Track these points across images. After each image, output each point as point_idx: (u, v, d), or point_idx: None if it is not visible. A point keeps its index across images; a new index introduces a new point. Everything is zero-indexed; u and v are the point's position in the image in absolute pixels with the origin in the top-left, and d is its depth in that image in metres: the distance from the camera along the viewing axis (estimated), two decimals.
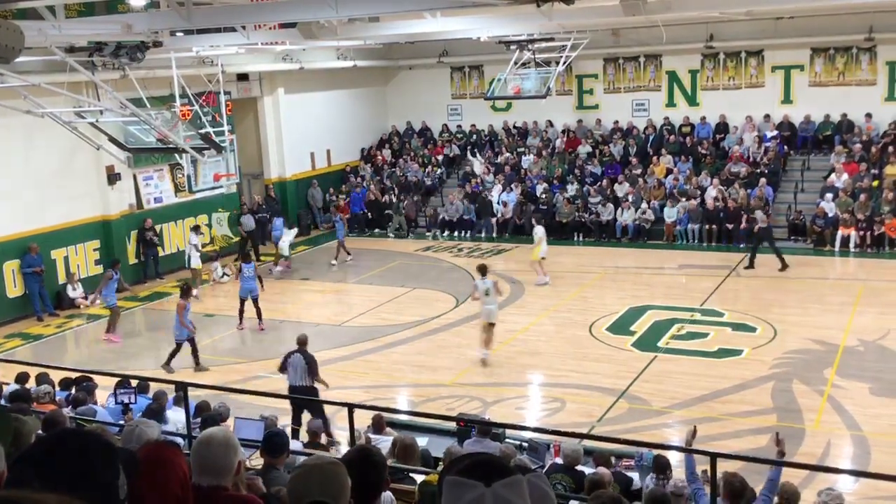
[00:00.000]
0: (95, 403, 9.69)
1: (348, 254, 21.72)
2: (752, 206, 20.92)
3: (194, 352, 14.48)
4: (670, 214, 22.26)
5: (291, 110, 25.05)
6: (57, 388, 10.39)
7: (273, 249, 21.73)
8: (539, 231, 18.74)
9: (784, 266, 18.86)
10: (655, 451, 8.06)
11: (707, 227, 21.85)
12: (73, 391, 10.39)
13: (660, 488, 6.74)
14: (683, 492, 6.84)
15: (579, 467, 7.81)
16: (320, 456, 2.86)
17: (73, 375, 11.01)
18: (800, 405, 11.88)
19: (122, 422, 7.95)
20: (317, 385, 11.28)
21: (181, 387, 8.51)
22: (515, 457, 7.71)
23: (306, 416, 10.58)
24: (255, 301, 16.44)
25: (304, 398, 10.88)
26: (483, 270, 14.18)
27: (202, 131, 16.75)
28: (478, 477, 1.74)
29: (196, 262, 19.44)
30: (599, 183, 23.98)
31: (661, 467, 7.65)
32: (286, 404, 11.13)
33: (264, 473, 5.36)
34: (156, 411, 9.27)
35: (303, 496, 2.63)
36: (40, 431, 4.28)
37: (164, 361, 14.45)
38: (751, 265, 19.18)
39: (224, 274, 20.55)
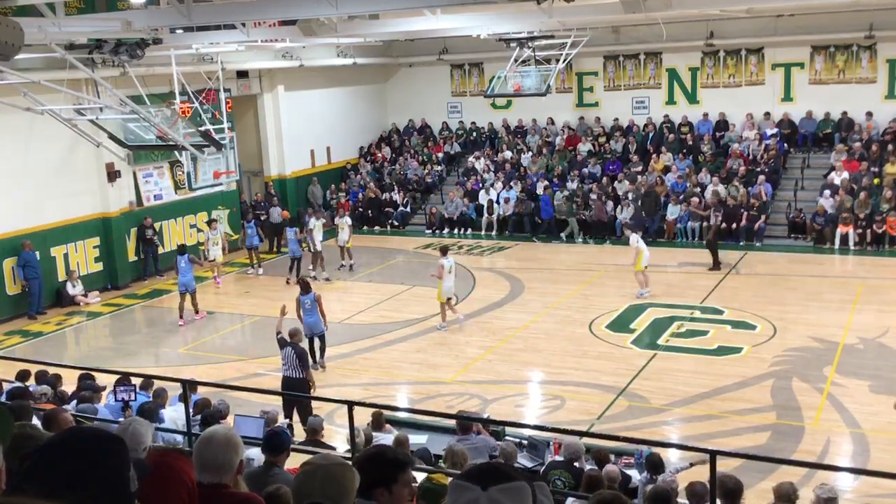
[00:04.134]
0: (97, 402, 9.68)
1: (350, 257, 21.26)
2: (708, 204, 21.06)
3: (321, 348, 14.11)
4: (671, 212, 22.25)
5: (291, 107, 25.04)
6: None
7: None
8: (633, 238, 17.45)
9: (715, 266, 19.06)
10: (654, 449, 8.06)
11: (707, 224, 21.83)
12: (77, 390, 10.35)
13: (661, 485, 6.75)
14: (672, 485, 6.86)
15: (579, 464, 7.82)
16: (328, 456, 2.86)
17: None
18: (799, 403, 11.89)
19: (121, 419, 7.95)
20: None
21: (182, 384, 8.50)
22: (516, 455, 7.72)
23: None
24: (299, 261, 19.48)
25: (298, 395, 10.88)
26: (445, 250, 16.00)
27: (202, 128, 16.77)
28: (476, 481, 1.84)
29: (217, 254, 19.56)
30: (599, 181, 23.97)
31: (654, 465, 7.64)
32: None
33: (265, 472, 5.37)
34: (150, 410, 9.23)
35: (304, 496, 2.64)
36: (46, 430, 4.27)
37: (319, 356, 13.90)
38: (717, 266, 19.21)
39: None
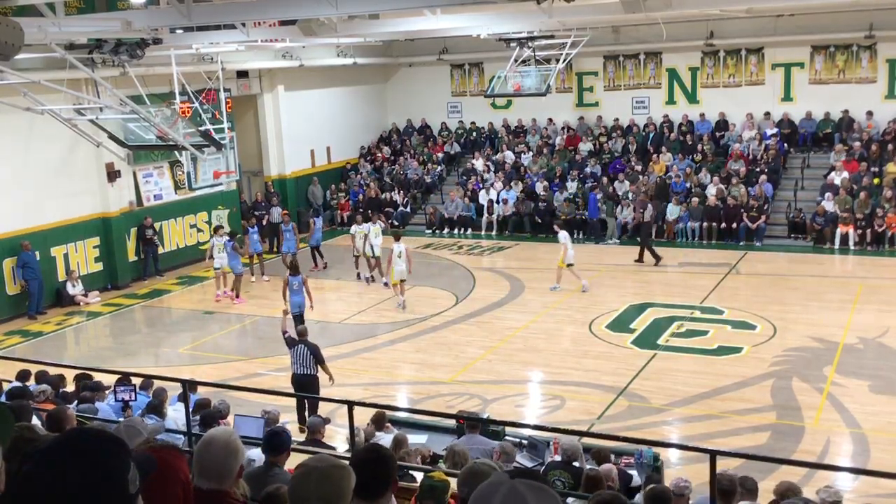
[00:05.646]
0: (97, 401, 9.68)
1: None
2: (641, 200, 21.54)
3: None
4: (671, 212, 22.25)
5: (291, 107, 25.03)
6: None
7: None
8: (561, 236, 17.88)
9: (640, 259, 19.91)
10: (654, 450, 8.04)
11: (707, 224, 21.86)
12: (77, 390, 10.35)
13: (661, 485, 6.72)
14: (685, 492, 6.80)
15: (578, 463, 7.81)
16: (324, 457, 2.86)
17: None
18: (799, 403, 11.89)
19: (121, 419, 7.95)
20: (322, 375, 11.43)
21: (182, 384, 8.49)
22: (516, 455, 7.71)
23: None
24: (318, 248, 20.74)
25: (304, 395, 10.90)
26: (398, 237, 17.45)
27: (202, 128, 16.76)
28: (505, 472, 1.88)
29: (223, 262, 18.44)
30: (600, 181, 23.96)
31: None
32: (287, 401, 11.14)
33: (265, 471, 5.37)
34: (156, 407, 9.27)
35: (299, 498, 2.63)
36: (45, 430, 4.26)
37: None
38: (641, 259, 19.99)
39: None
